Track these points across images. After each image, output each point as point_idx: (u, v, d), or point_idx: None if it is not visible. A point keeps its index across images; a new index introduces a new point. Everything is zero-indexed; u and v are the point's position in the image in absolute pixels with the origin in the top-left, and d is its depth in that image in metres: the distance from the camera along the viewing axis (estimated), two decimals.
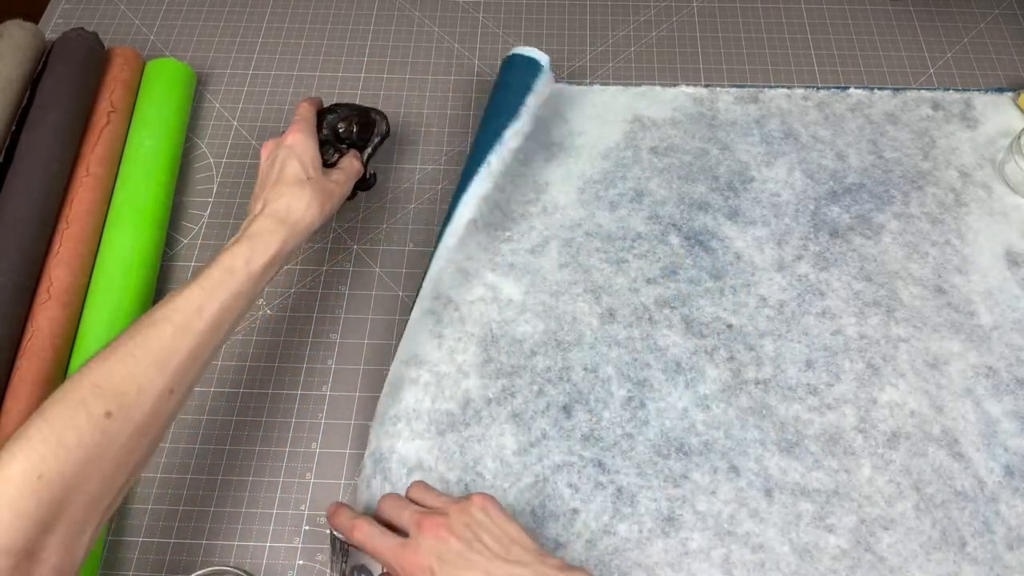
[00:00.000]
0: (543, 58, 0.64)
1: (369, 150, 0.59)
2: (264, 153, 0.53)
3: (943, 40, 0.72)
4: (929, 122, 0.66)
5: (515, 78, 0.64)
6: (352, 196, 0.59)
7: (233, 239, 0.47)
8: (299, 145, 0.52)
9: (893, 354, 0.55)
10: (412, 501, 0.45)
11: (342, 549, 0.47)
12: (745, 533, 0.49)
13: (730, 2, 0.76)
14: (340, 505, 0.46)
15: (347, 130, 0.58)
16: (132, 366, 0.39)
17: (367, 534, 0.43)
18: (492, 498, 0.43)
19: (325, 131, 0.57)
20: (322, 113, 0.58)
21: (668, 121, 0.66)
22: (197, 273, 0.44)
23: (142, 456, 0.40)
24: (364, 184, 0.60)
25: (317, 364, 0.56)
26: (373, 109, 0.60)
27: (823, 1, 0.75)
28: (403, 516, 0.43)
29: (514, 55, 0.65)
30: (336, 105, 0.59)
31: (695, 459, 0.51)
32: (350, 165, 0.56)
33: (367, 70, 0.71)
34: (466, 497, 0.43)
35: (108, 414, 0.37)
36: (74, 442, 0.36)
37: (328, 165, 0.56)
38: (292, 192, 0.49)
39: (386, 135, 0.60)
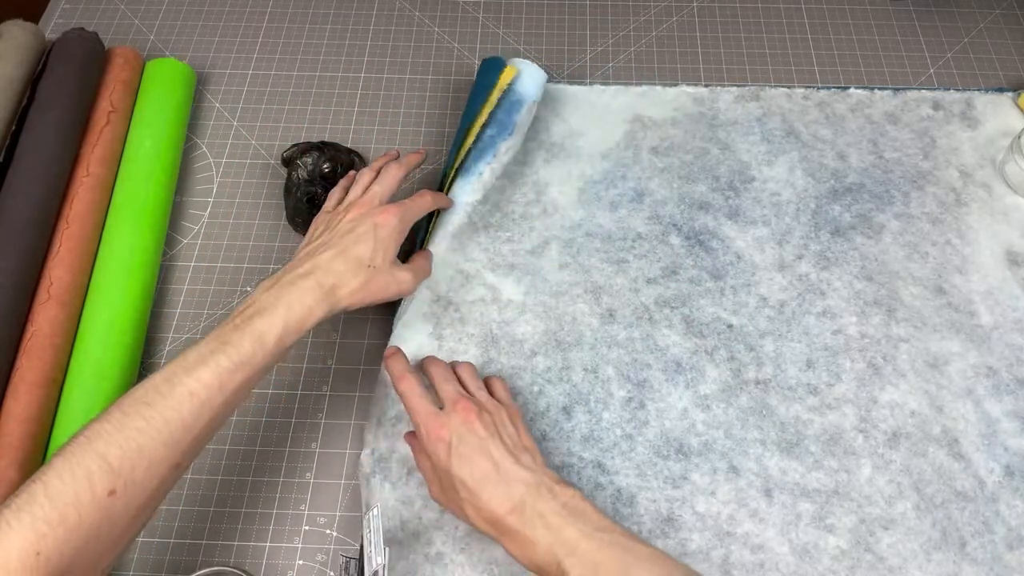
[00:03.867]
0: (532, 71, 0.62)
1: None
2: (353, 213, 0.50)
3: (943, 40, 0.72)
4: (929, 122, 0.66)
5: (490, 84, 0.62)
6: None
7: (268, 285, 0.45)
8: (386, 229, 0.49)
9: (893, 354, 0.55)
10: (458, 377, 0.49)
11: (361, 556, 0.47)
12: (744, 533, 0.49)
13: (730, 2, 0.76)
14: (399, 352, 0.49)
15: (332, 170, 0.61)
16: (143, 441, 0.37)
17: (411, 389, 0.46)
18: (522, 414, 0.48)
19: (311, 168, 0.61)
20: (306, 150, 0.62)
21: (668, 121, 0.66)
22: (225, 333, 0.42)
23: (141, 526, 0.40)
24: None
25: (317, 364, 0.56)
26: (352, 151, 0.63)
27: (823, 1, 0.75)
28: (445, 388, 0.47)
29: (490, 59, 0.64)
30: (323, 143, 0.62)
31: (695, 459, 0.51)
32: (421, 267, 0.53)
33: (367, 70, 0.71)
34: (502, 403, 0.48)
35: (112, 492, 0.36)
36: (75, 521, 0.34)
37: (317, 204, 0.59)
38: (349, 269, 0.47)
39: None
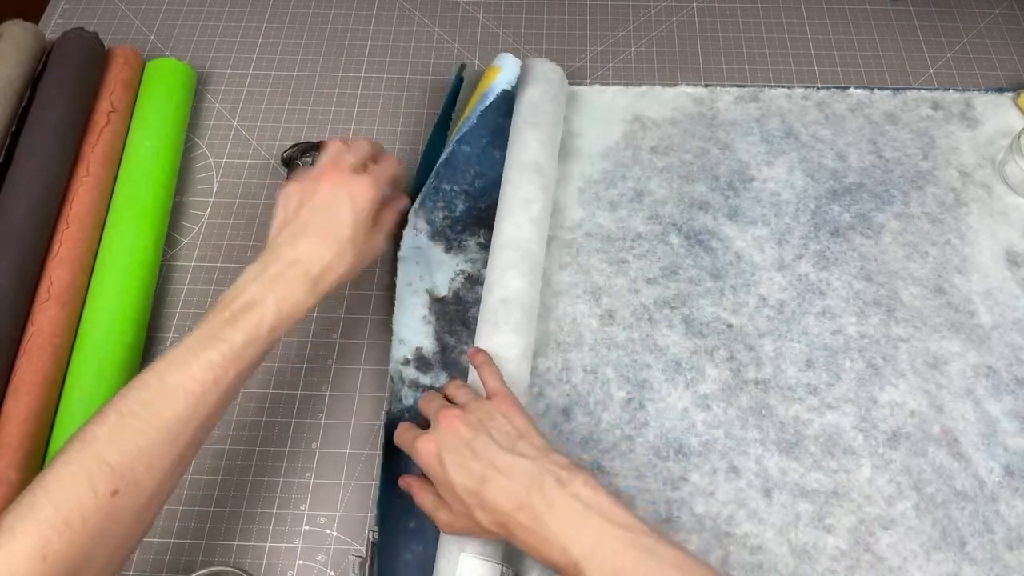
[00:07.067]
0: (506, 62, 0.64)
1: None
2: (326, 185, 0.47)
3: (943, 40, 0.72)
4: (929, 122, 0.66)
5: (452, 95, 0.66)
6: None
7: (255, 275, 0.43)
8: (362, 200, 0.47)
9: (893, 354, 0.55)
10: (446, 397, 0.48)
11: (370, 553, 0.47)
12: (744, 534, 0.49)
13: (730, 2, 0.76)
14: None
15: None
16: (142, 441, 0.37)
17: (400, 430, 0.47)
18: (512, 399, 0.45)
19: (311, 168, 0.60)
20: (306, 150, 0.62)
21: (668, 121, 0.66)
22: (216, 327, 0.41)
23: (148, 524, 0.39)
24: None
25: (317, 364, 0.56)
26: None
27: (823, 1, 0.75)
28: (430, 407, 0.46)
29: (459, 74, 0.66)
30: (322, 143, 0.62)
31: (694, 460, 0.51)
32: (387, 222, 0.50)
33: (367, 70, 0.71)
34: (494, 394, 0.46)
35: (115, 492, 0.36)
36: (79, 524, 0.34)
37: None
38: (334, 250, 0.45)
39: None
